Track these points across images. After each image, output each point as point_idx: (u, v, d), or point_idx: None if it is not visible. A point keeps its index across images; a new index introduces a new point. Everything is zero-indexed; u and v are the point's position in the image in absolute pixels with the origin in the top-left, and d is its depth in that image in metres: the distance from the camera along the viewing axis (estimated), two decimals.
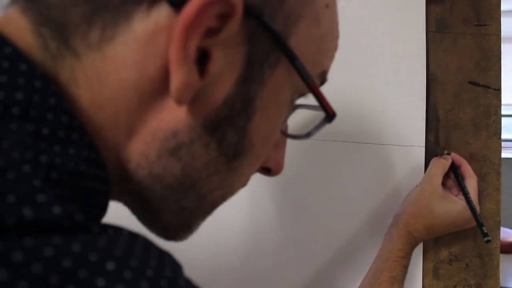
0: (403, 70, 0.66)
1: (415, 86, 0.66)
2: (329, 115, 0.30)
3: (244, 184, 0.33)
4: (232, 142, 0.28)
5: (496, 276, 0.64)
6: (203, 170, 0.28)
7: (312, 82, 0.28)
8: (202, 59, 0.25)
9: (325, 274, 0.68)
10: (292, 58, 0.27)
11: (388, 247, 0.59)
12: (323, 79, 0.33)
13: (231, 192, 0.32)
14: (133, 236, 0.23)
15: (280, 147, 0.35)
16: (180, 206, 0.29)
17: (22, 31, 0.24)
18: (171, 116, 0.26)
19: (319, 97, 0.30)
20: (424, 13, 0.66)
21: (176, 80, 0.24)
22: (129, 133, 0.26)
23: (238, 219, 0.69)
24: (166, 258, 0.23)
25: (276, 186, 0.69)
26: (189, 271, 0.25)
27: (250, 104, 0.27)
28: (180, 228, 0.32)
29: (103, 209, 0.26)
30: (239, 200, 0.69)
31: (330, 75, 0.70)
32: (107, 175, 0.26)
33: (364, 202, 0.67)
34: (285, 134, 0.33)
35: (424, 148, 0.66)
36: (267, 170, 0.35)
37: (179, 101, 0.25)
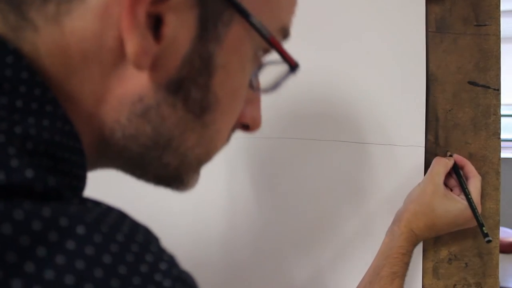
0: (403, 70, 0.66)
1: (415, 86, 0.66)
2: (292, 66, 0.32)
3: (224, 140, 0.34)
4: (197, 99, 0.29)
5: (495, 275, 0.64)
6: (174, 129, 0.29)
7: (270, 36, 0.29)
8: (157, 24, 0.26)
9: (324, 272, 0.68)
10: (245, 14, 0.28)
11: (389, 244, 0.60)
12: (285, 34, 0.34)
13: (213, 148, 0.33)
14: (109, 208, 0.24)
15: (254, 103, 0.35)
16: (162, 163, 0.31)
17: None
18: (135, 82, 0.27)
19: (279, 50, 0.31)
20: (424, 13, 0.66)
21: (131, 47, 0.25)
22: (97, 102, 0.27)
23: (234, 218, 0.70)
24: (140, 228, 0.24)
25: (275, 186, 0.69)
26: None
27: (210, 62, 0.28)
28: (172, 180, 0.33)
29: (81, 181, 0.27)
30: (237, 199, 0.70)
31: (330, 76, 0.71)
32: (81, 147, 0.26)
33: (364, 201, 0.67)
34: (253, 89, 0.34)
35: (423, 148, 0.66)
36: (245, 127, 0.36)
37: (138, 67, 0.26)
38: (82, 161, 0.27)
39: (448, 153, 0.65)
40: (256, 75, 0.34)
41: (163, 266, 0.23)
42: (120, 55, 0.26)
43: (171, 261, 0.24)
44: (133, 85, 0.27)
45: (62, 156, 0.25)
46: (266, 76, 0.35)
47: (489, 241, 0.59)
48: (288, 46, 0.75)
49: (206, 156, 0.33)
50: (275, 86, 0.34)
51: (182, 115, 0.29)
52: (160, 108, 0.28)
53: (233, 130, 0.35)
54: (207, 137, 0.31)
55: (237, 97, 0.32)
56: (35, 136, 0.23)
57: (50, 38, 0.25)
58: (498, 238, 0.65)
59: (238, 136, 0.68)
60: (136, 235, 0.23)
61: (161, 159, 0.30)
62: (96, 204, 0.24)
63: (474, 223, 0.60)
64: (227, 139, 0.35)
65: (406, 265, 0.58)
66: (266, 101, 0.69)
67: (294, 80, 0.71)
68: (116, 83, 0.27)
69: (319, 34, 0.69)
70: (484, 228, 0.59)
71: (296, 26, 0.70)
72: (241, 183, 0.70)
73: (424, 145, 0.66)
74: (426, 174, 0.63)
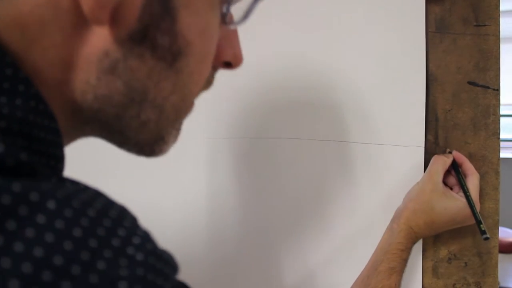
0: (403, 70, 0.67)
1: (415, 86, 0.66)
2: None
3: (200, 83, 0.33)
4: (165, 46, 0.28)
5: (494, 275, 0.65)
6: (147, 80, 0.29)
7: None
8: None
9: (322, 271, 0.68)
10: None
11: (388, 240, 0.60)
12: None
13: (189, 93, 0.32)
14: (86, 187, 0.24)
15: (232, 39, 0.35)
16: (141, 121, 0.30)
17: None
18: (98, 38, 0.26)
19: None
20: (423, 14, 0.66)
21: (86, 3, 0.25)
22: (65, 67, 0.27)
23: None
24: (115, 205, 0.24)
25: (276, 186, 0.70)
26: None
27: (170, 5, 0.28)
28: (154, 141, 0.33)
29: (59, 161, 0.27)
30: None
31: (330, 76, 0.71)
32: (57, 126, 0.26)
33: (363, 201, 0.68)
34: (227, 25, 0.34)
35: (423, 148, 0.66)
36: (227, 65, 0.35)
37: (98, 22, 0.26)
38: (58, 141, 0.26)
39: (447, 150, 0.65)
40: (228, 10, 0.33)
41: (136, 240, 0.22)
42: (78, 14, 0.25)
43: (145, 236, 0.23)
44: (97, 42, 0.26)
45: (37, 135, 0.24)
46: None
47: (486, 239, 0.59)
48: (289, 46, 0.76)
49: (182, 103, 0.32)
50: (246, 15, 0.33)
51: (153, 65, 0.28)
52: (128, 60, 0.27)
53: (214, 70, 0.35)
54: (180, 82, 0.31)
55: (208, 36, 0.31)
56: (8, 115, 0.23)
57: (3, 12, 0.25)
58: (497, 238, 0.65)
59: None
60: (109, 211, 0.23)
61: (139, 117, 0.30)
62: (74, 183, 0.24)
63: (473, 221, 0.60)
64: (210, 81, 0.35)
65: (404, 261, 0.59)
66: (268, 102, 0.70)
67: (293, 80, 0.71)
68: (79, 44, 0.26)
69: (319, 34, 0.69)
70: (482, 225, 0.59)
71: (296, 27, 0.70)
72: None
73: (423, 145, 0.66)
74: (425, 173, 0.63)
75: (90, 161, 0.72)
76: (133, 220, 0.24)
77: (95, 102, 0.28)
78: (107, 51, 0.27)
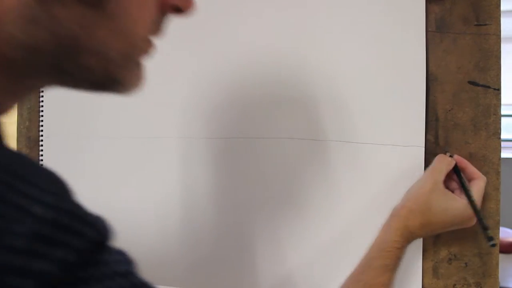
0: (403, 70, 0.66)
1: (415, 86, 0.66)
2: None
3: (148, 27, 0.32)
4: None
5: (495, 275, 0.64)
6: (76, 27, 0.28)
7: None
8: None
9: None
10: None
11: (383, 237, 0.59)
12: None
13: (136, 37, 0.32)
14: (17, 153, 0.24)
15: None
16: (82, 65, 0.30)
17: None
18: None
19: None
20: (423, 13, 0.66)
21: None
22: None
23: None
24: (34, 167, 0.23)
25: (276, 186, 0.69)
26: None
27: None
28: (107, 83, 0.32)
29: None
30: (227, 199, 0.70)
31: (329, 75, 0.70)
32: None
33: (363, 202, 0.67)
34: None
35: (423, 148, 0.66)
36: (177, 10, 0.34)
37: None
38: None
39: (448, 154, 0.65)
40: None
41: (45, 197, 0.22)
42: None
43: (61, 194, 0.23)
44: None
45: None
46: None
47: (493, 245, 0.59)
48: (289, 46, 0.75)
49: (132, 48, 0.32)
50: None
51: (78, 11, 0.27)
52: (50, 9, 0.27)
53: (163, 14, 0.34)
54: (121, 29, 0.30)
55: None
56: None
57: None
58: (498, 238, 0.65)
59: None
60: (19, 170, 0.22)
61: (78, 63, 0.29)
62: (8, 150, 0.24)
63: (472, 223, 0.60)
64: (158, 26, 0.34)
65: (398, 260, 0.58)
66: (270, 101, 0.69)
67: (290, 80, 0.71)
68: None
69: (318, 34, 0.69)
70: (488, 231, 0.59)
71: (297, 26, 0.70)
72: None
73: (423, 145, 0.66)
74: (427, 170, 0.63)
75: (64, 162, 0.73)
76: (52, 181, 0.24)
77: (26, 54, 0.28)
78: (24, 4, 0.26)
